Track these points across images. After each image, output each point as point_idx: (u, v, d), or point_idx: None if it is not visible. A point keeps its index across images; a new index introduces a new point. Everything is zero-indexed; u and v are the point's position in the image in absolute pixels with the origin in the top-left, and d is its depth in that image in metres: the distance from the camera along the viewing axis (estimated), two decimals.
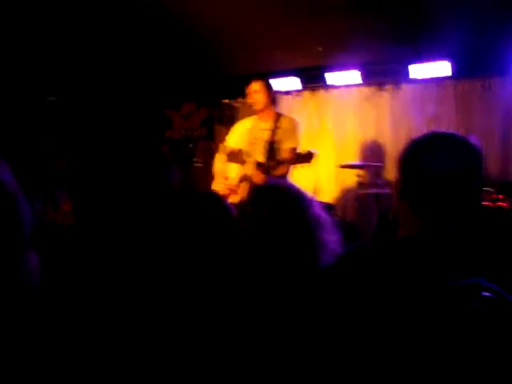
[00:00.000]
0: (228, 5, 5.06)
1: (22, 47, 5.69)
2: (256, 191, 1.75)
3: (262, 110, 4.63)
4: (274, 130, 4.59)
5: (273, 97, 4.76)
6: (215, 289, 1.55)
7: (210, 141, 6.58)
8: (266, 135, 4.61)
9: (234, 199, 4.45)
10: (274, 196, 1.65)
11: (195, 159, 6.53)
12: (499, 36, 5.32)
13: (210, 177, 4.91)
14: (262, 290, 1.52)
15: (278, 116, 4.70)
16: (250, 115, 4.89)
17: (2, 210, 0.81)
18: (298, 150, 4.49)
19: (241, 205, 1.78)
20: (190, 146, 7.04)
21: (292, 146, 4.54)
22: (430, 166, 1.40)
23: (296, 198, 1.66)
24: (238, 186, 4.55)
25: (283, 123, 4.63)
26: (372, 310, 1.22)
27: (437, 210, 1.37)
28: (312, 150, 4.19)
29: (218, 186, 4.67)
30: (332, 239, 1.65)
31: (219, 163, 4.80)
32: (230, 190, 4.52)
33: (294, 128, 4.63)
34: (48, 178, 1.74)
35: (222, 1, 4.99)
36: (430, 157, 1.41)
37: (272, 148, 4.55)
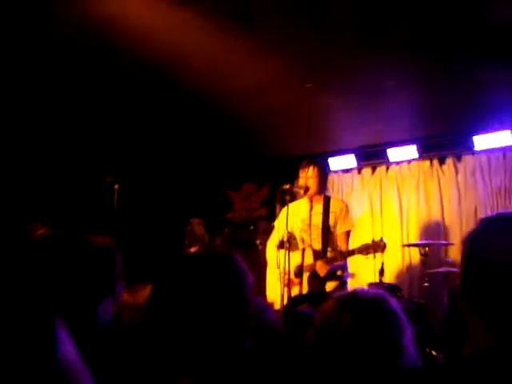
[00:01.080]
0: (285, 90, 5.16)
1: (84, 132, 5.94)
2: (339, 302, 1.57)
3: (311, 194, 4.53)
4: (325, 215, 4.47)
5: (325, 181, 4.71)
6: None
7: (271, 221, 6.53)
8: (319, 220, 4.49)
9: (294, 291, 4.30)
10: (362, 311, 1.51)
11: (257, 241, 6.47)
12: None
13: None
14: None
15: (328, 199, 4.59)
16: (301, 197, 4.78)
17: None
18: (352, 233, 4.38)
19: (310, 314, 1.69)
20: (251, 227, 7.02)
21: (346, 229, 4.43)
22: (497, 255, 1.16)
23: (386, 316, 1.51)
24: (296, 276, 4.39)
25: (334, 206, 4.51)
26: None
27: (505, 314, 1.12)
28: (383, 239, 4.06)
29: (272, 276, 4.52)
30: (410, 343, 1.51)
31: (271, 250, 4.65)
32: (289, 281, 4.34)
33: (345, 211, 4.52)
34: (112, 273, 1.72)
35: (279, 87, 5.08)
36: (498, 243, 1.17)
37: (327, 233, 4.42)
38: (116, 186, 4.79)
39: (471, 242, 1.24)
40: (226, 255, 1.36)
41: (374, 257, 4.08)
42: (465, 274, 1.23)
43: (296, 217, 4.55)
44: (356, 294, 1.59)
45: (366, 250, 4.06)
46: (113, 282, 1.72)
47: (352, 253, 4.19)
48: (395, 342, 1.47)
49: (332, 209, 4.49)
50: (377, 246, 4.02)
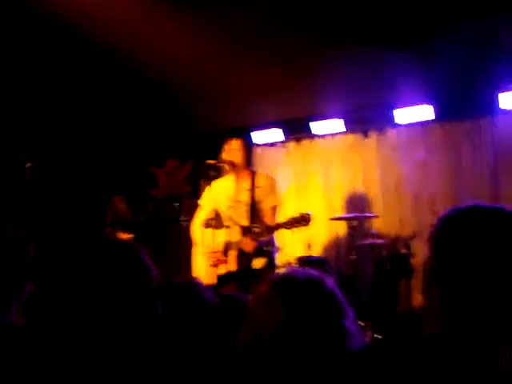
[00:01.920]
0: (208, 59, 5.00)
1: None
2: (270, 287, 1.46)
3: (238, 169, 4.41)
4: (252, 190, 4.36)
5: (250, 155, 4.61)
6: None
7: (196, 198, 6.40)
8: (246, 196, 4.38)
9: (222, 269, 4.20)
10: (291, 295, 1.40)
11: (181, 218, 6.32)
12: (483, 76, 5.27)
13: None
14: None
15: (254, 174, 4.48)
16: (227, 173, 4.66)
17: None
18: (279, 207, 4.31)
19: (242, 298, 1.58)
20: (176, 204, 6.84)
21: (273, 204, 4.35)
22: (475, 247, 1.21)
23: (318, 295, 1.40)
24: (224, 254, 4.28)
25: (260, 181, 4.41)
26: None
27: (475, 300, 1.16)
28: (308, 213, 3.99)
29: (200, 254, 4.40)
30: (352, 324, 1.43)
31: (198, 230, 4.52)
32: (217, 259, 4.22)
33: (272, 186, 4.43)
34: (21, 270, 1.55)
35: (200, 56, 4.92)
36: (475, 235, 1.22)
37: (254, 209, 4.33)
38: (28, 165, 4.49)
39: (451, 228, 1.26)
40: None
41: (300, 230, 4.01)
42: (439, 263, 1.24)
43: (222, 194, 4.43)
44: (290, 277, 1.48)
45: (291, 224, 3.99)
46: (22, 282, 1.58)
47: (278, 227, 4.10)
48: (338, 325, 1.38)
49: (258, 184, 4.39)
50: (302, 220, 3.95)
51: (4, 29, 4.32)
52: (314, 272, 1.51)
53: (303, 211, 4.04)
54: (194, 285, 1.79)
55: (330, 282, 1.47)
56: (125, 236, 5.33)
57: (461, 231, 1.23)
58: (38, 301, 1.25)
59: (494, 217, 1.24)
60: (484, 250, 1.19)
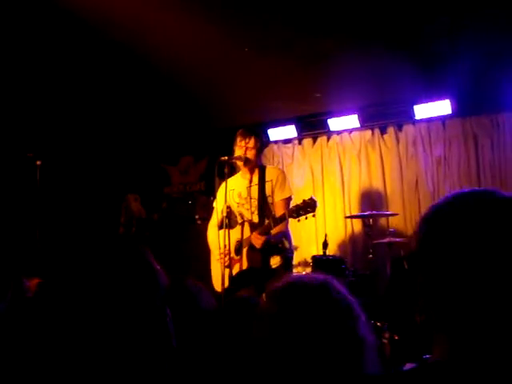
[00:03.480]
0: (223, 58, 4.93)
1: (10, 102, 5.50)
2: (275, 293, 1.35)
3: (250, 166, 4.31)
4: (262, 185, 4.25)
5: (262, 152, 4.52)
6: None
7: (210, 196, 6.32)
8: (255, 192, 4.27)
9: (236, 270, 4.09)
10: (293, 308, 1.28)
11: (196, 216, 6.25)
12: (504, 72, 5.15)
13: None
14: None
15: (263, 168, 4.37)
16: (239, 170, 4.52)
17: None
18: (293, 200, 4.18)
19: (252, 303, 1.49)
20: (190, 202, 6.78)
21: (285, 196, 4.23)
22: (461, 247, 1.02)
23: (337, 307, 1.29)
24: (236, 253, 4.17)
25: (270, 175, 4.28)
26: None
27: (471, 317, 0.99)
28: (312, 198, 3.83)
29: (214, 259, 4.30)
30: (367, 331, 1.31)
31: (212, 233, 4.42)
32: (231, 260, 4.12)
33: (282, 178, 4.30)
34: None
35: (216, 54, 4.85)
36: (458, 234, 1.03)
37: (264, 204, 4.21)
38: (38, 162, 4.42)
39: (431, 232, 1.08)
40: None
41: (306, 218, 3.84)
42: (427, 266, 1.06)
43: (233, 191, 4.33)
44: (295, 285, 1.35)
45: (296, 211, 3.82)
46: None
47: (283, 217, 3.94)
48: (353, 334, 1.27)
49: (268, 178, 4.27)
50: (307, 206, 3.80)
51: (11, 24, 4.26)
52: (318, 276, 1.38)
53: (307, 197, 3.87)
54: (191, 288, 1.72)
55: (338, 284, 1.35)
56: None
57: (443, 227, 1.06)
58: (43, 300, 1.18)
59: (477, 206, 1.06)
60: (473, 247, 1.01)
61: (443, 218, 1.08)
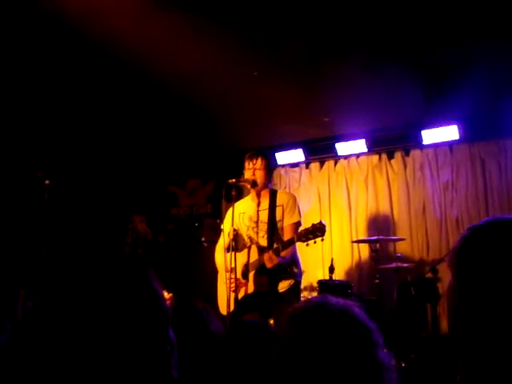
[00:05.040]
0: (232, 81, 4.96)
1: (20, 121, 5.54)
2: (291, 316, 1.34)
3: (259, 189, 4.33)
4: (272, 209, 4.26)
5: (271, 175, 4.51)
6: None
7: (217, 218, 6.32)
8: (265, 216, 4.27)
9: (242, 293, 4.07)
10: (315, 330, 1.28)
11: (202, 238, 6.24)
12: (509, 96, 5.16)
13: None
14: None
15: (274, 193, 4.37)
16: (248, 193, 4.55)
17: None
18: (302, 225, 4.17)
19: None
20: (196, 224, 6.78)
21: (294, 221, 4.23)
22: (497, 261, 1.08)
23: (347, 327, 1.29)
24: (243, 277, 4.15)
25: (281, 199, 4.29)
26: None
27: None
28: (321, 222, 3.82)
29: (221, 281, 4.29)
30: (385, 356, 1.30)
31: (219, 255, 4.40)
32: (238, 283, 4.10)
33: (292, 203, 4.30)
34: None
35: (225, 78, 4.89)
36: (496, 249, 1.10)
37: (273, 229, 4.21)
38: (47, 182, 4.44)
39: (465, 249, 1.15)
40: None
41: (315, 242, 3.83)
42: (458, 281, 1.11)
43: (243, 215, 4.33)
44: (318, 309, 1.35)
45: (305, 235, 3.82)
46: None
47: (292, 241, 3.95)
48: (372, 358, 1.26)
49: (279, 202, 4.28)
50: (316, 230, 3.79)
51: (26, 46, 4.32)
52: (340, 301, 1.38)
53: (316, 221, 3.87)
54: (200, 311, 1.70)
55: (358, 309, 1.35)
56: None
57: (481, 245, 1.13)
58: (39, 316, 1.16)
59: None
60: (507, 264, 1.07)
61: (479, 235, 1.15)
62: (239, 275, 4.13)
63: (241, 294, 4.08)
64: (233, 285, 4.00)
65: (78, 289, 1.08)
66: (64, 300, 1.07)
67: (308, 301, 1.42)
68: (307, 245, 3.86)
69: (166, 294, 3.34)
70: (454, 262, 1.17)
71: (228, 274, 3.93)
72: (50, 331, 1.04)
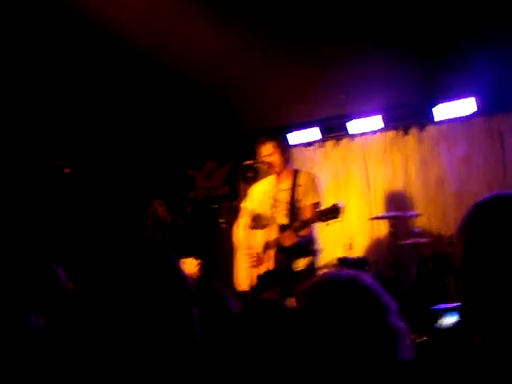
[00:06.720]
0: (246, 61, 4.97)
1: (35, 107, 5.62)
2: (306, 291, 1.41)
3: (278, 169, 4.38)
4: (293, 189, 4.32)
5: (288, 155, 4.54)
6: None
7: (234, 200, 6.37)
8: (286, 196, 4.34)
9: (262, 270, 4.15)
10: (326, 301, 1.34)
11: (220, 220, 6.30)
12: None
13: None
14: None
15: (296, 173, 4.43)
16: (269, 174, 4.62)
17: None
18: (322, 206, 4.21)
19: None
20: (214, 206, 6.84)
21: (314, 201, 4.28)
22: (502, 235, 1.14)
23: (356, 294, 1.35)
24: (263, 254, 4.24)
25: (302, 180, 4.37)
26: None
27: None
28: (338, 204, 3.87)
29: (242, 258, 4.37)
30: (397, 320, 1.36)
31: (240, 233, 4.49)
32: (257, 260, 4.18)
33: (313, 183, 4.37)
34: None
35: (239, 57, 4.90)
36: (502, 223, 1.15)
37: (294, 208, 4.27)
38: (67, 170, 4.53)
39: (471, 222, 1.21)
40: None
41: (336, 221, 3.89)
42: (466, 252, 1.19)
43: (264, 194, 4.41)
44: (325, 281, 1.42)
45: (325, 215, 3.89)
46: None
47: (312, 220, 4.03)
48: (383, 323, 1.31)
49: (300, 182, 4.35)
50: (333, 211, 3.84)
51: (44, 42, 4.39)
52: (350, 272, 1.45)
53: (336, 201, 3.92)
54: (219, 291, 1.77)
55: (367, 278, 1.41)
56: None
57: (486, 220, 1.19)
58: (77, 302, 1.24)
59: None
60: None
61: (485, 210, 1.22)
62: (261, 252, 4.22)
63: (260, 270, 4.17)
64: (254, 259, 4.10)
65: (115, 274, 1.16)
66: (103, 284, 1.15)
67: (320, 275, 1.49)
68: (327, 224, 3.91)
69: (195, 261, 3.48)
70: (463, 236, 1.22)
71: (250, 251, 4.03)
72: (95, 313, 1.12)
